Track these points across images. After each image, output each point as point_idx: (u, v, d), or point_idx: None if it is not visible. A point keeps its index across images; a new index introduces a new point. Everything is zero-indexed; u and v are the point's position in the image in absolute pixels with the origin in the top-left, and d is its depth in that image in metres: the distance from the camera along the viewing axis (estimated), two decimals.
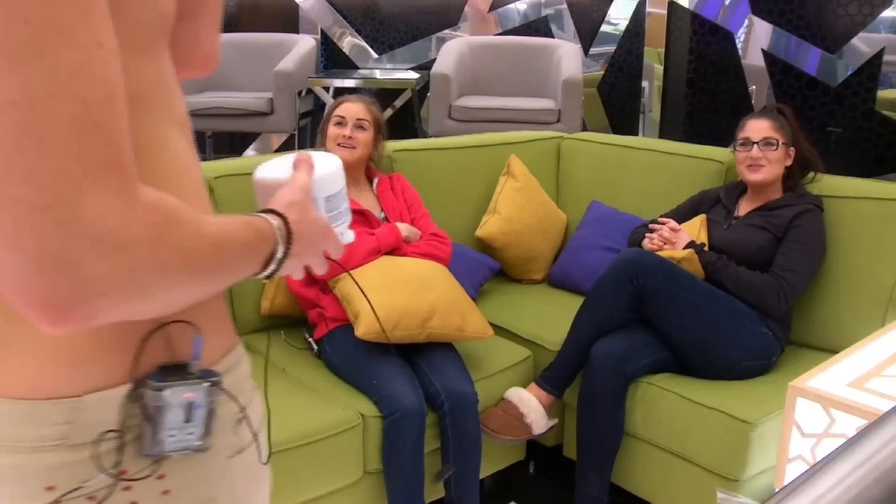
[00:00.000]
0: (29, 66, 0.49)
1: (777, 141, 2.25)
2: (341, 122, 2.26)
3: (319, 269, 0.84)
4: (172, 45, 0.70)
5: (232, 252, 0.65)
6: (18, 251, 0.50)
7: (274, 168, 0.88)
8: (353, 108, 2.27)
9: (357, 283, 1.97)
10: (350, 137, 2.25)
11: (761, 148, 2.25)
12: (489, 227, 2.72)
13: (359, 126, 2.26)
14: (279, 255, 0.72)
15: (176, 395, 0.67)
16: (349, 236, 0.94)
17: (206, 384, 0.69)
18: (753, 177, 2.27)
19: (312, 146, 4.64)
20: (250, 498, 0.78)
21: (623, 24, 5.20)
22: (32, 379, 0.65)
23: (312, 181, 0.83)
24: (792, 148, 2.29)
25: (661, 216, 2.43)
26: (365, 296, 1.95)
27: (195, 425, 0.69)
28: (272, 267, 0.72)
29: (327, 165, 0.89)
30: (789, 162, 2.30)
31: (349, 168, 2.32)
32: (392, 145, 2.68)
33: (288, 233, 0.73)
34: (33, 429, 0.65)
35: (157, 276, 0.56)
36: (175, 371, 0.68)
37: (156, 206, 0.56)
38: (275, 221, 0.73)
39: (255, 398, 0.80)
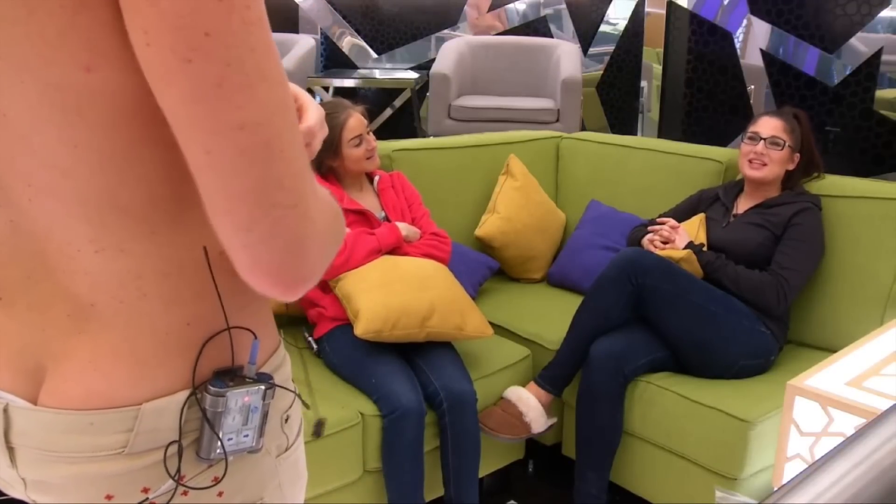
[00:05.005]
0: (261, 89, 0.55)
1: (784, 142, 2.26)
2: (360, 139, 2.21)
3: None
4: None
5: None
6: (276, 244, 0.58)
7: None
8: (361, 120, 2.21)
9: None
10: (373, 147, 2.24)
11: (767, 145, 2.25)
12: (488, 226, 2.72)
13: (369, 132, 2.25)
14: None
15: (235, 400, 0.67)
16: None
17: (263, 387, 0.70)
18: (753, 173, 2.27)
19: None
20: (294, 495, 0.79)
21: (622, 24, 5.20)
22: (91, 388, 0.65)
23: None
24: (797, 154, 2.30)
25: (660, 216, 2.43)
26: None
27: (250, 427, 0.69)
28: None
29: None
30: (791, 166, 2.30)
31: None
32: (391, 145, 2.68)
33: None
34: (92, 439, 0.65)
35: (332, 252, 0.66)
36: (230, 375, 0.69)
37: (326, 197, 0.66)
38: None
39: (294, 397, 0.80)
